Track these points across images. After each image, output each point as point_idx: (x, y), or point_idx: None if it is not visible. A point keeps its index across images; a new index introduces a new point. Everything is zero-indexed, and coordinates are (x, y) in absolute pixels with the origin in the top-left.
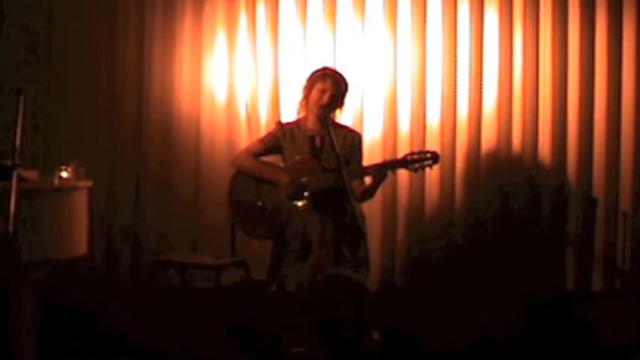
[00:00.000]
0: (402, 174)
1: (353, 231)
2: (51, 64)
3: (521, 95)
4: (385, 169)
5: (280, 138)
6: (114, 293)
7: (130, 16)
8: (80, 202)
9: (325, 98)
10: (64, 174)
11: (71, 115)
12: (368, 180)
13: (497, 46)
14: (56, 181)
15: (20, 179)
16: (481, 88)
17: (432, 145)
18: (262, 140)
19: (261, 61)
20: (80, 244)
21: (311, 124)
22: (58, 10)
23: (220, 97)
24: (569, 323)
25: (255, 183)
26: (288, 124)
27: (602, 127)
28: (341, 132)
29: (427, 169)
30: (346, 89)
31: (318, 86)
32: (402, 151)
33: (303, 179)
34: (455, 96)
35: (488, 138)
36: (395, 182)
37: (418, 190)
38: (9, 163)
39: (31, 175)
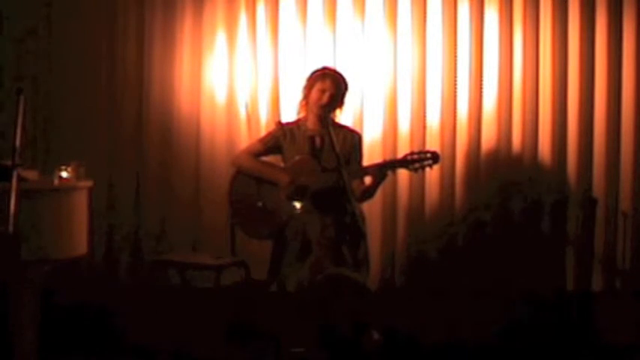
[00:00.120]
0: (402, 174)
1: (353, 231)
2: (51, 64)
3: (521, 95)
4: (385, 169)
5: (280, 138)
6: (114, 293)
7: (130, 16)
8: (80, 202)
9: (325, 98)
10: (64, 174)
11: (71, 115)
12: (368, 180)
13: (497, 46)
14: (56, 181)
15: (20, 179)
16: (481, 88)
17: (432, 145)
18: (262, 140)
19: (261, 61)
20: (80, 244)
21: (311, 124)
22: (58, 10)
23: (220, 97)
24: (569, 323)
25: (255, 183)
26: (288, 124)
27: (602, 127)
28: (341, 132)
29: (427, 169)
30: (346, 89)
31: (317, 86)
32: (402, 151)
33: (303, 179)
34: (455, 96)
35: (488, 138)
36: (395, 182)
37: (418, 190)
38: (9, 163)
39: (31, 175)
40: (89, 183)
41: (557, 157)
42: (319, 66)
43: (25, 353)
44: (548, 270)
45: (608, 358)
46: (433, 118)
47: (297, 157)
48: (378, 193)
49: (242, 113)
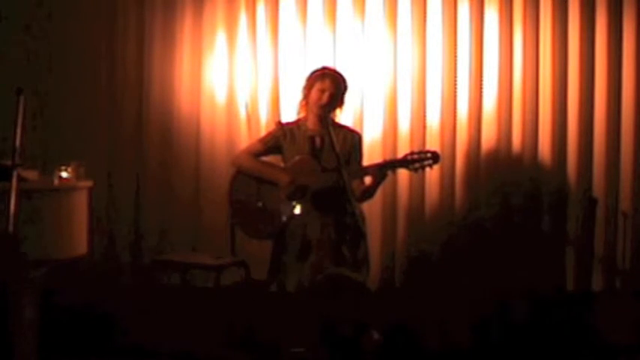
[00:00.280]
0: (402, 174)
1: (353, 231)
2: (51, 64)
3: (521, 95)
4: (385, 169)
5: (280, 138)
6: (114, 293)
7: (130, 16)
8: (80, 202)
9: (325, 98)
10: (64, 174)
11: (71, 115)
12: (368, 180)
13: (497, 46)
14: (56, 181)
15: (20, 179)
16: (481, 88)
17: (432, 145)
18: (262, 140)
19: (261, 61)
20: (80, 244)
21: (311, 124)
22: (58, 10)
23: (220, 97)
24: (569, 323)
25: (255, 183)
26: (288, 124)
27: (602, 127)
28: (341, 132)
29: (427, 169)
30: (346, 89)
31: (317, 86)
32: (402, 151)
33: (303, 179)
34: (455, 96)
35: (488, 138)
36: (395, 182)
37: (418, 190)
38: (9, 163)
39: (31, 175)
40: (89, 183)
41: (557, 157)
42: (319, 66)
43: (25, 353)
44: (548, 270)
45: (608, 358)
46: (433, 118)
47: (297, 157)
48: (378, 193)
49: (242, 113)
